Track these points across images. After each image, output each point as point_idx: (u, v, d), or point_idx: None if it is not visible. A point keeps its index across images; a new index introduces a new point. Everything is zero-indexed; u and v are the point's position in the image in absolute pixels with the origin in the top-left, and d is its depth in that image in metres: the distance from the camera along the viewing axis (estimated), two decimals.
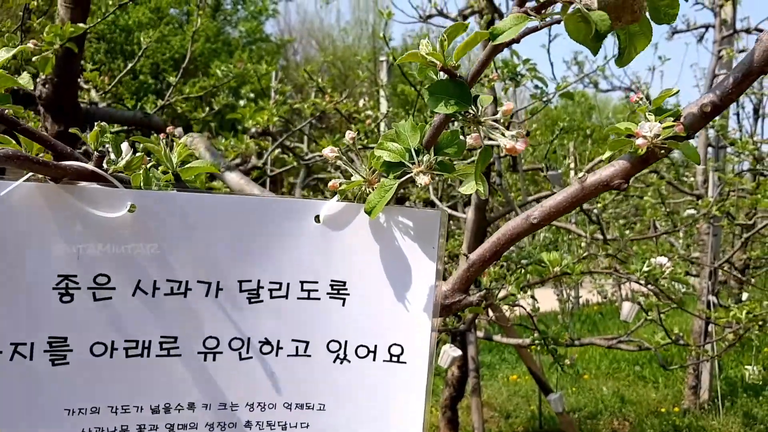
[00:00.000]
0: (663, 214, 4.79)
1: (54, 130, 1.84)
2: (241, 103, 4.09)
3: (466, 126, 0.51)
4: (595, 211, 3.34)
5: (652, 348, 3.07)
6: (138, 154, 0.58)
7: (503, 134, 0.50)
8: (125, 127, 2.53)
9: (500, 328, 3.77)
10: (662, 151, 0.72)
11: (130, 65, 2.77)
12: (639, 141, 0.70)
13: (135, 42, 10.51)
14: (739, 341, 2.96)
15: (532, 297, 2.66)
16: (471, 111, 0.51)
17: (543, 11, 0.44)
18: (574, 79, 4.98)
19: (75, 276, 0.56)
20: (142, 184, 0.59)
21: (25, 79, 0.44)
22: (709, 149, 5.40)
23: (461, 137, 0.56)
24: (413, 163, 0.56)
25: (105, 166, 0.56)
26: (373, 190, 0.59)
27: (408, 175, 0.55)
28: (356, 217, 0.62)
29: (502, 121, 0.50)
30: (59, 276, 0.55)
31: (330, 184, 0.58)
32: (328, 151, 0.59)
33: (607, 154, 0.78)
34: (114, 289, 0.57)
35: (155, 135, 1.27)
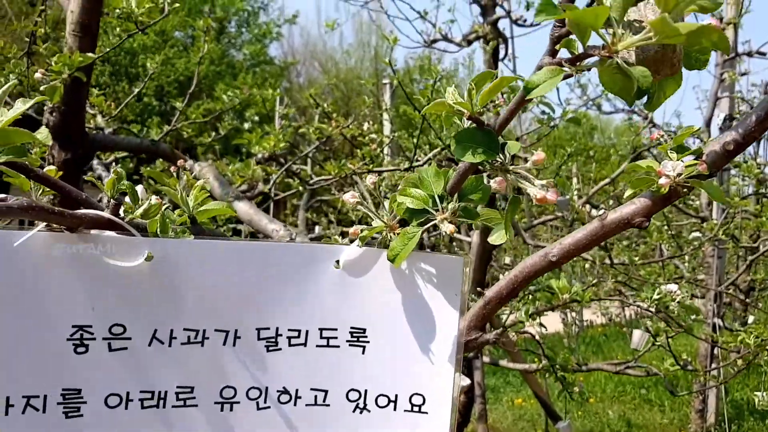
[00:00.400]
0: (668, 236, 4.77)
1: (61, 158, 1.83)
2: (246, 126, 4.09)
3: (493, 173, 0.49)
4: None
5: (660, 374, 3.04)
6: (155, 202, 0.56)
7: (532, 183, 0.49)
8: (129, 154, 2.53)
9: (506, 353, 3.74)
10: (685, 190, 0.71)
11: (136, 90, 2.78)
12: (662, 180, 0.69)
13: (140, 65, 10.59)
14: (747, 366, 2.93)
15: (540, 324, 2.64)
16: (499, 159, 0.50)
17: (578, 63, 0.43)
18: (578, 102, 5.00)
19: (90, 326, 0.54)
20: (159, 230, 0.58)
21: (43, 134, 0.43)
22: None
23: (485, 183, 0.55)
24: (437, 210, 0.55)
25: (122, 213, 0.55)
26: (395, 235, 0.58)
27: (432, 223, 0.54)
28: (377, 263, 0.61)
29: (531, 169, 0.49)
30: (74, 327, 0.54)
31: (351, 230, 0.57)
32: (349, 197, 0.58)
33: (629, 192, 0.77)
34: (130, 339, 0.55)
35: (168, 169, 1.26)
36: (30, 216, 0.48)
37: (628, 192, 0.77)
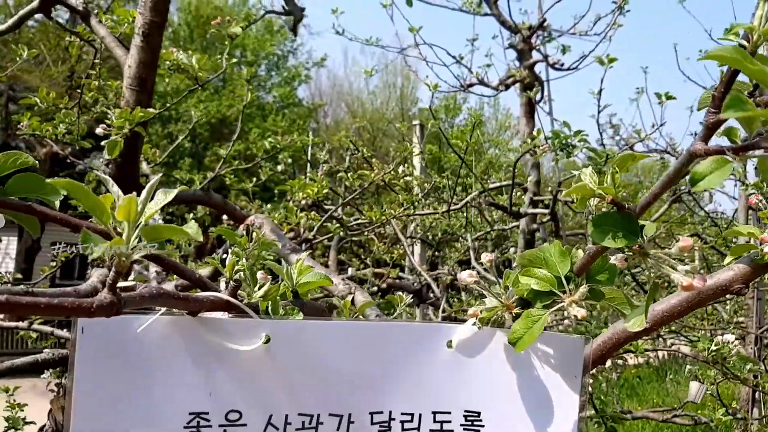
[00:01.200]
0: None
1: None
2: (279, 168, 4.12)
3: (631, 258, 0.48)
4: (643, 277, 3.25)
5: (709, 422, 2.95)
6: (273, 284, 0.55)
7: (675, 268, 0.47)
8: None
9: None
10: None
11: (181, 137, 2.82)
12: (766, 248, 0.66)
13: (173, 108, 10.82)
14: None
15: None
16: (639, 243, 0.48)
17: (742, 153, 0.41)
18: (610, 142, 4.96)
19: (207, 413, 0.53)
20: (270, 309, 0.56)
21: (193, 229, 0.42)
22: (750, 211, 5.30)
23: (611, 262, 0.53)
24: (563, 292, 0.53)
25: (239, 295, 0.54)
26: (512, 315, 0.55)
27: (558, 306, 0.52)
28: (490, 343, 0.58)
29: (675, 254, 0.47)
30: (191, 414, 0.52)
31: (471, 311, 0.55)
32: (466, 276, 0.56)
33: (729, 259, 0.74)
34: (245, 425, 0.54)
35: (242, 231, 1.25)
36: (159, 303, 0.47)
37: (728, 259, 0.75)
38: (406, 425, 0.58)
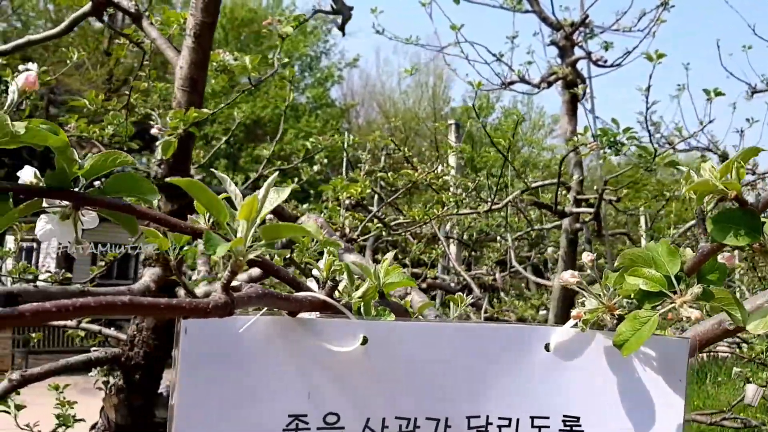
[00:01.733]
0: (756, 279, 4.54)
1: (168, 209, 1.86)
2: (315, 168, 4.13)
3: (757, 256, 0.45)
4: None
5: (760, 425, 2.87)
6: (371, 284, 0.54)
7: None
8: None
9: None
10: None
11: (224, 138, 2.85)
12: None
13: (211, 108, 10.93)
14: None
15: None
16: (761, 241, 0.45)
17: None
18: (650, 140, 4.86)
19: (305, 416, 0.52)
20: (362, 309, 0.55)
21: (312, 228, 0.41)
22: None
23: (719, 261, 0.51)
24: (674, 292, 0.50)
25: (336, 295, 0.53)
26: (613, 317, 0.53)
27: (670, 306, 0.50)
28: (589, 346, 0.57)
29: None
30: (290, 416, 0.51)
31: (574, 312, 0.53)
32: (569, 276, 0.54)
33: None
34: (343, 428, 0.53)
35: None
36: (264, 303, 0.46)
37: None
38: (504, 430, 0.56)
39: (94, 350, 2.07)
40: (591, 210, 3.17)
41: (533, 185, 3.29)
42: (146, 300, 0.38)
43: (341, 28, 1.96)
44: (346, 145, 3.31)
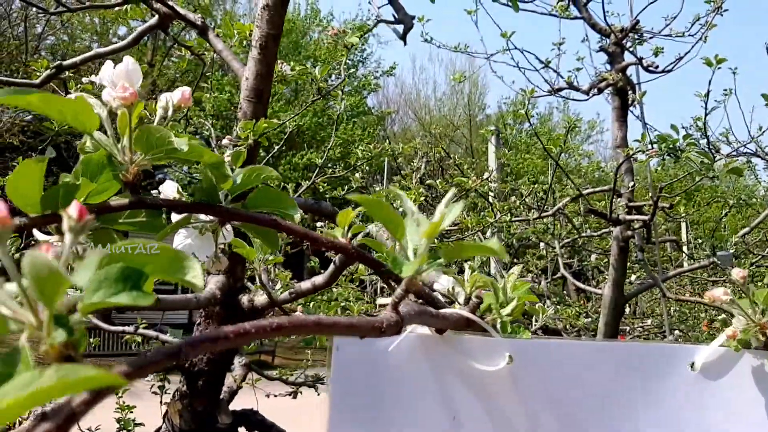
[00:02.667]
0: None
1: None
2: (357, 175, 4.14)
3: None
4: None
5: None
6: (518, 302, 0.53)
7: None
8: None
9: None
10: None
11: (275, 147, 2.87)
12: None
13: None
14: None
15: None
16: None
17: None
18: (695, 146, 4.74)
19: None
20: (500, 327, 0.54)
21: (495, 246, 0.40)
22: None
23: None
24: None
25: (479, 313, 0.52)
26: (765, 336, 0.51)
27: None
28: (736, 365, 0.54)
29: None
30: None
31: (728, 332, 0.51)
32: (721, 294, 0.52)
33: None
34: None
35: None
36: (421, 321, 0.46)
37: None
38: None
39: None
40: (645, 217, 3.10)
41: (585, 192, 3.24)
42: (330, 320, 0.37)
43: (403, 37, 1.96)
44: (396, 153, 3.31)
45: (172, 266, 0.31)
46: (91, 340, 3.50)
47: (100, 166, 0.46)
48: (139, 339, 2.89)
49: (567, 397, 0.53)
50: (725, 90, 3.66)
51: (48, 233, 0.47)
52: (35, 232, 0.46)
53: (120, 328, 2.74)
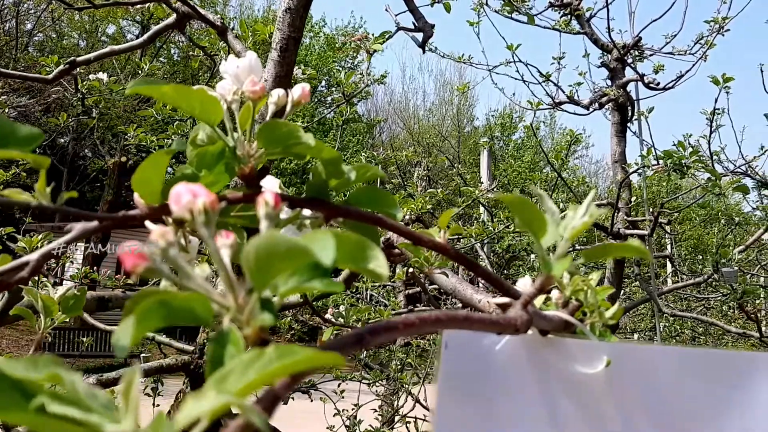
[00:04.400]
0: None
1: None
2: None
3: None
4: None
5: None
6: (619, 307, 0.53)
7: None
8: None
9: None
10: None
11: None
12: None
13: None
14: None
15: None
16: None
17: None
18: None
19: None
20: (592, 331, 0.54)
21: (637, 244, 0.41)
22: None
23: None
24: None
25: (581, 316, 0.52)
26: None
27: None
28: None
29: None
30: None
31: None
32: None
33: None
34: None
35: None
36: (540, 323, 0.46)
37: None
38: None
39: (170, 358, 2.08)
40: (645, 232, 3.14)
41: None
42: (477, 315, 0.37)
43: (422, 45, 1.97)
44: (396, 161, 3.32)
45: (355, 254, 0.31)
46: (84, 339, 3.46)
47: (215, 158, 0.46)
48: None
49: (662, 403, 0.53)
50: (718, 109, 3.72)
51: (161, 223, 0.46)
52: (147, 222, 0.46)
53: (116, 328, 2.72)
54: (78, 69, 2.25)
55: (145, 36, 2.10)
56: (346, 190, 0.51)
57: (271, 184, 0.52)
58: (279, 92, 0.51)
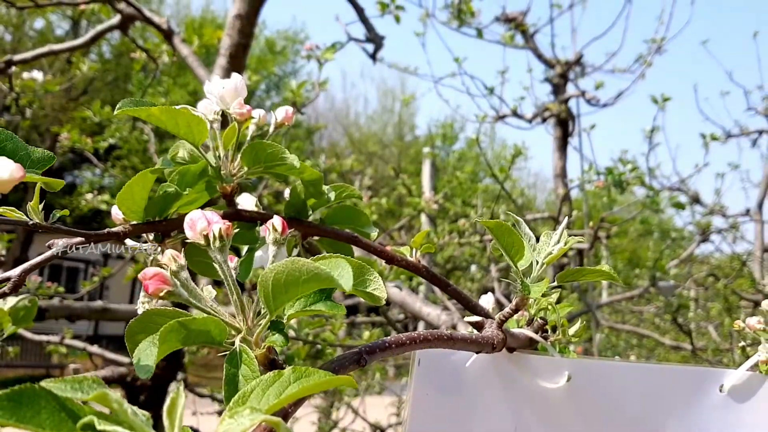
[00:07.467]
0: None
1: None
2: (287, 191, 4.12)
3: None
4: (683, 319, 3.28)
5: None
6: (581, 325, 0.56)
7: None
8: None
9: None
10: None
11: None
12: None
13: None
14: None
15: None
16: None
17: None
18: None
19: None
20: (555, 347, 0.57)
21: (607, 270, 0.43)
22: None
23: None
24: None
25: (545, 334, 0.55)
26: None
27: None
28: (762, 388, 0.59)
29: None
30: None
31: (758, 358, 0.56)
32: (755, 322, 0.57)
33: None
34: None
35: None
36: (513, 342, 0.48)
37: None
38: None
39: (107, 369, 2.02)
40: (585, 246, 3.25)
41: (528, 218, 3.36)
42: (458, 334, 0.39)
43: (373, 56, 1.99)
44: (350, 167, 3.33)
45: (356, 279, 0.32)
46: (10, 348, 3.31)
47: (197, 177, 0.46)
48: (63, 350, 2.75)
49: (616, 416, 0.56)
50: (653, 126, 3.89)
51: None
52: (127, 240, 0.45)
53: (45, 337, 2.60)
54: (13, 68, 2.17)
55: (87, 36, 2.04)
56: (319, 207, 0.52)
57: (247, 202, 0.52)
58: (260, 113, 0.51)
